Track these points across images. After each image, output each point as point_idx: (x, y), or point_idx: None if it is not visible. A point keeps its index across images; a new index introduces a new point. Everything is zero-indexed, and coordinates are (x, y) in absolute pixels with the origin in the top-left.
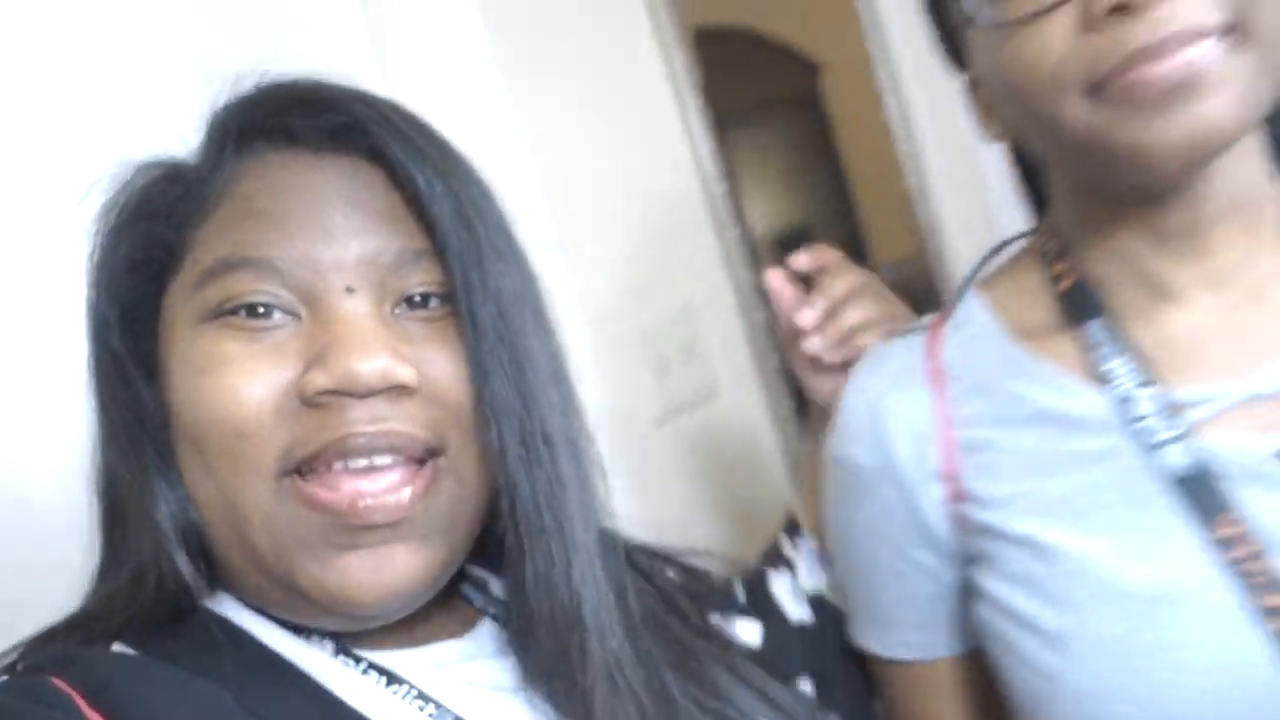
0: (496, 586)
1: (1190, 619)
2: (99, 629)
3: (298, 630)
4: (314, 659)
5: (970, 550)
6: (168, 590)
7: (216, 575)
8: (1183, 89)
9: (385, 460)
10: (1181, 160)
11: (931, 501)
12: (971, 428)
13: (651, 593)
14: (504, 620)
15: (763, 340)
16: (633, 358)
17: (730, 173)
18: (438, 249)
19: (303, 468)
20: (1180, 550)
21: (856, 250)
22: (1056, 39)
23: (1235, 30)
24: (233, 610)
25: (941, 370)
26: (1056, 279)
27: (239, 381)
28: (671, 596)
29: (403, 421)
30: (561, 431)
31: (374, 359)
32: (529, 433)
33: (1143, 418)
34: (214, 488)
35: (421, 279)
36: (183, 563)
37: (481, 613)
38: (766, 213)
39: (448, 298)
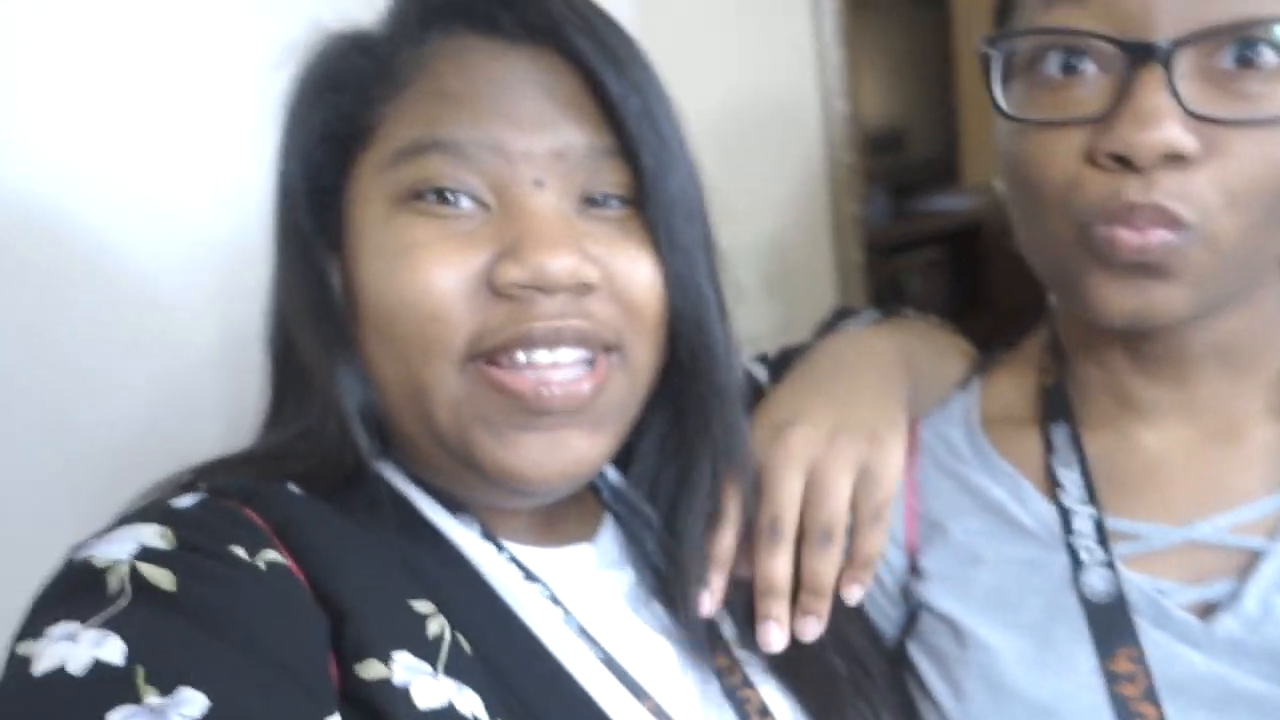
0: (614, 476)
1: None
2: (274, 469)
3: (452, 509)
4: (465, 537)
5: (908, 618)
6: (339, 452)
7: (387, 446)
8: (1143, 268)
9: (567, 355)
10: (1128, 326)
11: (890, 564)
12: (930, 503)
13: None
14: (624, 516)
15: (854, 284)
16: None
17: (854, 71)
18: (625, 148)
19: (488, 354)
20: (1078, 671)
21: (948, 165)
22: (1060, 159)
23: (1199, 231)
24: (396, 479)
25: (917, 444)
26: (1043, 373)
27: (431, 268)
28: None
29: (585, 318)
30: (721, 330)
31: (564, 257)
32: (699, 332)
33: (1078, 535)
34: (400, 367)
35: (608, 179)
36: (360, 437)
37: (605, 508)
38: (868, 105)
39: (629, 200)
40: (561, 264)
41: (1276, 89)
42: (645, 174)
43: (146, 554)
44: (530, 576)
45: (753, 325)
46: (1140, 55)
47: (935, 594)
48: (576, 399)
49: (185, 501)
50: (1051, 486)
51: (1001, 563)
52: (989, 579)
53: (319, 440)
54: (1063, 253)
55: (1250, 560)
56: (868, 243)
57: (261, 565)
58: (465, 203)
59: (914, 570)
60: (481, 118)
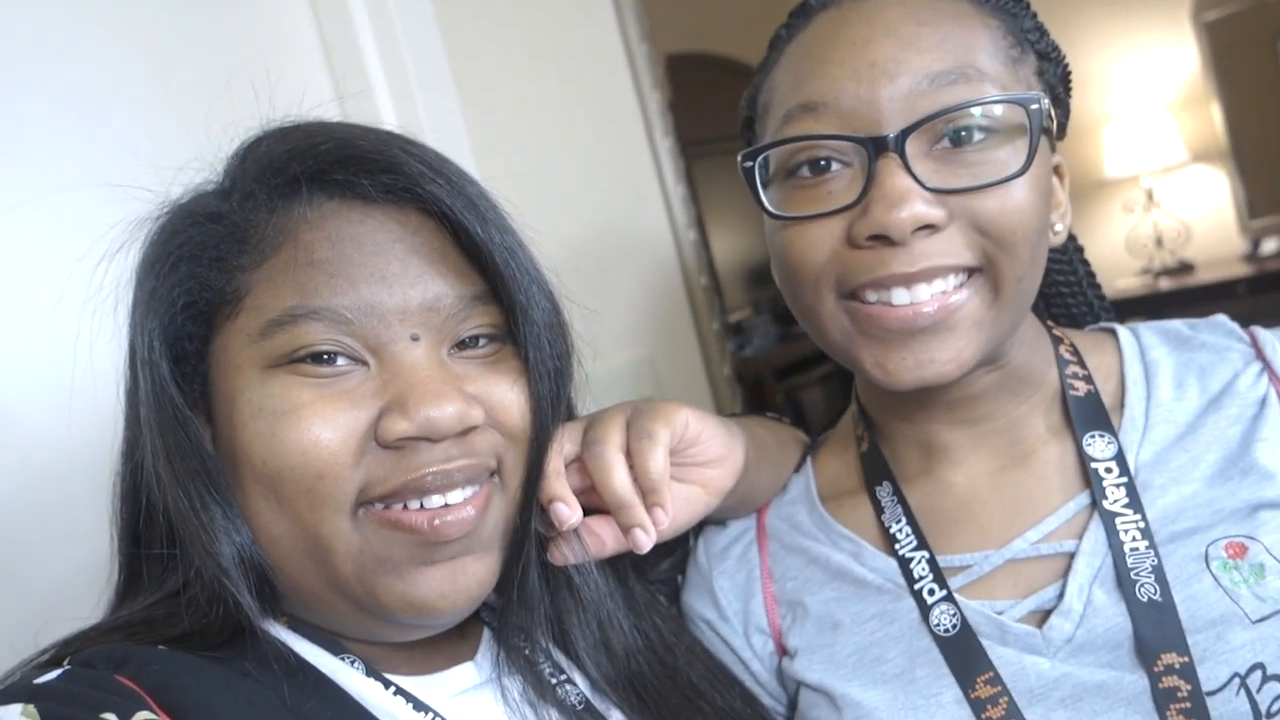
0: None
1: None
2: (146, 634)
3: (335, 650)
4: (350, 676)
5: (790, 705)
6: (217, 610)
7: (264, 596)
8: (920, 332)
9: (457, 495)
10: (913, 388)
11: (758, 653)
12: (785, 585)
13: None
14: (497, 624)
15: (727, 396)
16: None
17: (697, 204)
18: (491, 290)
19: (378, 499)
20: (945, 706)
21: None
22: (823, 246)
23: (981, 273)
24: (275, 628)
25: (765, 531)
26: (859, 441)
27: (316, 427)
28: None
29: (470, 455)
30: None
31: (449, 405)
32: (547, 439)
33: (918, 579)
34: (292, 523)
35: (477, 321)
36: (245, 597)
37: (482, 624)
38: (733, 247)
39: (496, 336)
40: (447, 413)
41: (989, 156)
42: (517, 310)
43: None
44: (420, 706)
45: None
46: (877, 146)
47: (806, 669)
48: (467, 525)
49: (49, 676)
50: (888, 542)
51: (858, 623)
52: (850, 640)
53: (192, 601)
54: (839, 330)
55: (1066, 563)
56: (763, 367)
57: None
58: (342, 361)
59: (784, 652)
60: (355, 283)
